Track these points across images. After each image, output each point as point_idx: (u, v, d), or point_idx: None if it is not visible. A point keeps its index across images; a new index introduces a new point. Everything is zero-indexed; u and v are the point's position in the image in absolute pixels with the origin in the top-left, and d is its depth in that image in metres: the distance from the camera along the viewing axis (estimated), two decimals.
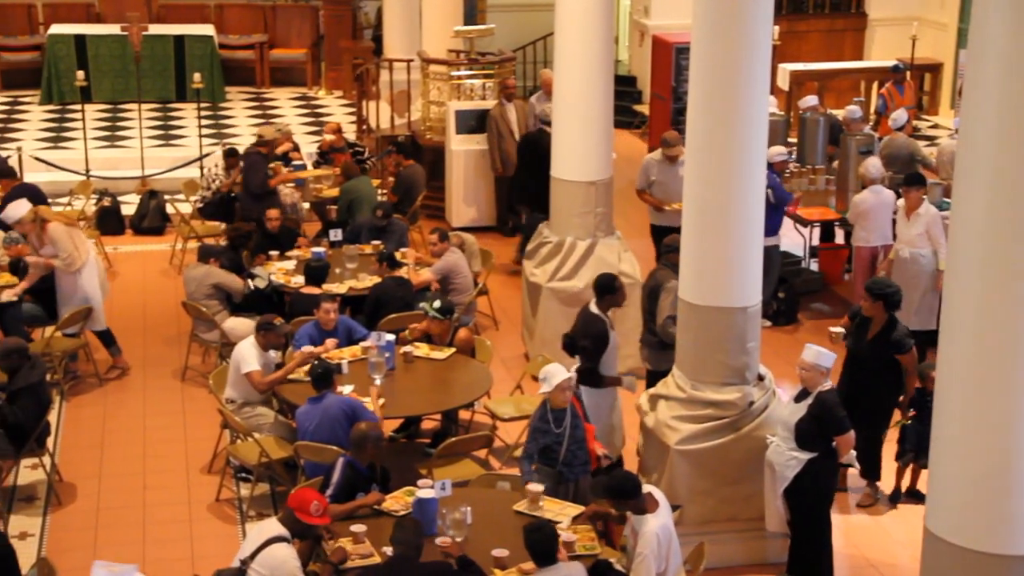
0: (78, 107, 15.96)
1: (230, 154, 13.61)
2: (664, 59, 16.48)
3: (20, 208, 10.87)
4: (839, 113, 14.07)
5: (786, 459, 7.88)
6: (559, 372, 7.90)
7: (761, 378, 8.40)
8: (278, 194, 12.81)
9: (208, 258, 10.86)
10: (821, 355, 7.89)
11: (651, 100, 17.43)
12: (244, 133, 16.63)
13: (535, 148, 12.86)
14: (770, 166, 11.78)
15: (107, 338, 11.06)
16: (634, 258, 11.21)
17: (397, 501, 7.65)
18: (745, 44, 7.75)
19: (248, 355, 9.17)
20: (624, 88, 17.80)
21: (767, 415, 8.23)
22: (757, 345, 8.34)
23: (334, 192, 13.16)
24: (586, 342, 8.65)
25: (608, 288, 8.86)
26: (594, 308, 8.85)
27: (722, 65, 7.82)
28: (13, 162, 13.73)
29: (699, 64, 7.97)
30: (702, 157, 8.07)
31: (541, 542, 6.56)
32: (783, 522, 8.03)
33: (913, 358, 8.96)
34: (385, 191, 13.85)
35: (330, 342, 9.51)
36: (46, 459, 9.17)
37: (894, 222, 11.64)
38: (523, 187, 13.20)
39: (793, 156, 13.34)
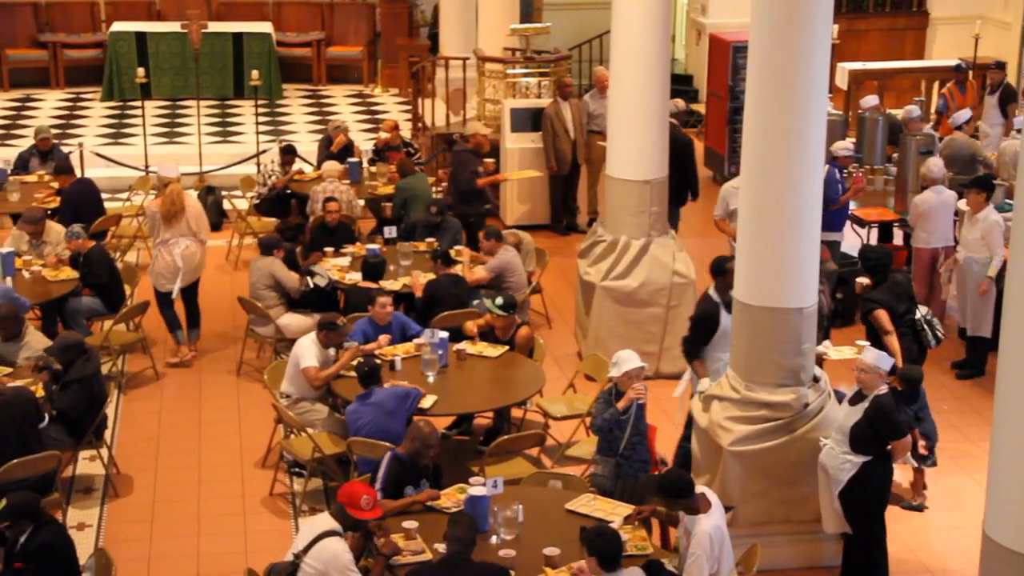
0: (138, 104, 16.14)
1: (287, 151, 13.69)
2: (721, 58, 16.38)
3: (172, 169, 11.37)
4: (898, 113, 13.93)
5: (840, 462, 7.81)
6: (631, 359, 7.91)
7: (816, 379, 8.33)
8: (486, 194, 12.69)
9: (271, 250, 10.94)
10: (880, 358, 7.81)
11: (707, 99, 17.33)
12: (301, 130, 16.74)
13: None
14: (834, 160, 11.72)
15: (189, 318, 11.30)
16: (688, 257, 11.16)
17: (449, 498, 7.66)
18: (804, 43, 7.68)
19: (308, 351, 9.23)
20: (680, 87, 17.74)
21: (822, 417, 8.16)
22: (813, 346, 8.27)
23: (389, 189, 13.20)
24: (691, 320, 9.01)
25: (719, 270, 9.00)
26: (712, 292, 9.04)
27: (780, 64, 7.75)
28: (75, 158, 13.90)
29: (757, 63, 7.91)
30: (758, 157, 8.01)
31: (607, 547, 6.52)
32: (843, 522, 7.95)
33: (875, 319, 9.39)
34: (440, 189, 13.88)
35: (383, 338, 9.55)
36: (104, 451, 9.28)
37: (955, 223, 11.50)
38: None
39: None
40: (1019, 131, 13.57)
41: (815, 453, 8.01)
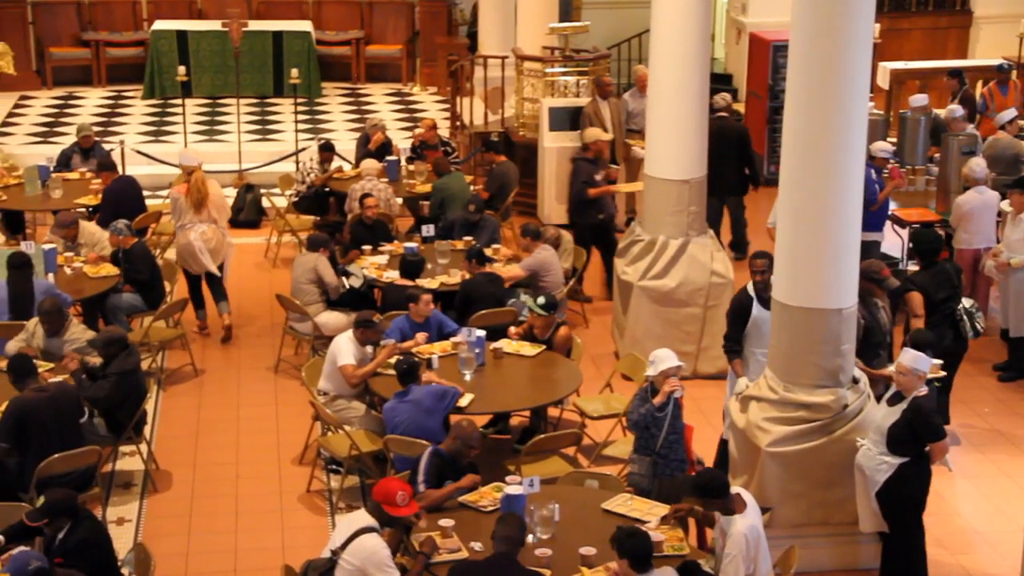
0: (179, 102, 16.24)
1: (325, 148, 13.74)
2: (761, 57, 16.30)
3: (193, 158, 11.91)
4: (941, 112, 13.80)
5: (876, 463, 7.76)
6: (668, 357, 7.90)
7: (855, 381, 8.27)
8: (602, 202, 12.39)
9: (318, 247, 10.98)
10: (919, 359, 7.74)
11: (747, 98, 17.25)
12: (339, 128, 16.79)
13: (720, 137, 12.65)
14: (871, 161, 11.63)
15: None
16: (727, 258, 11.11)
17: (485, 497, 7.66)
18: (845, 42, 7.62)
19: (345, 349, 9.26)
20: (720, 86, 17.59)
21: (861, 419, 8.10)
22: (852, 347, 8.21)
23: (427, 188, 13.22)
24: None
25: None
26: (749, 287, 9.12)
27: (821, 63, 7.70)
28: (116, 155, 14.00)
29: (797, 62, 7.86)
30: (798, 157, 7.96)
31: (638, 547, 6.51)
32: (879, 521, 7.89)
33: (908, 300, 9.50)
34: (478, 188, 13.89)
35: (420, 336, 9.56)
36: (143, 447, 9.34)
37: (998, 224, 11.39)
38: (720, 176, 12.89)
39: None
40: None
41: (854, 455, 7.96)
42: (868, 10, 7.72)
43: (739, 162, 13.21)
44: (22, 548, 6.63)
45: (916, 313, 9.53)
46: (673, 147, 10.78)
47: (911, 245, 10.02)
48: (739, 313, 9.15)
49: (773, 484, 8.14)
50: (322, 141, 14.05)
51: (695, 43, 10.56)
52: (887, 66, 17.09)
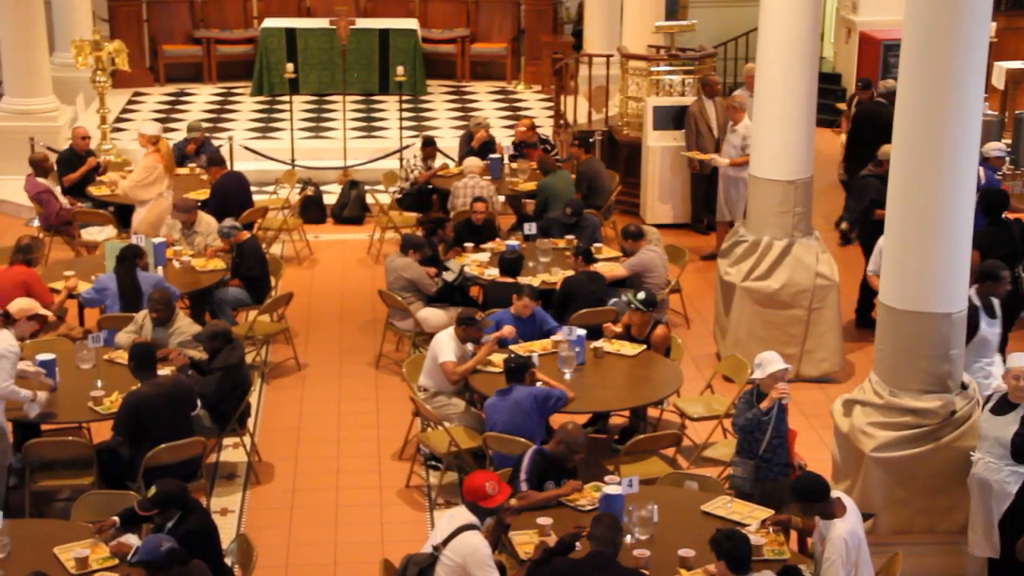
0: (286, 99, 16.47)
1: (427, 143, 13.82)
2: (871, 56, 16.05)
3: (151, 126, 12.73)
4: None
5: (1004, 475, 7.56)
6: (775, 360, 7.81)
7: (964, 386, 8.08)
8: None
9: (408, 250, 11.05)
10: None
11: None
12: (443, 126, 16.88)
13: (873, 120, 12.50)
14: (986, 162, 11.36)
15: None
16: (832, 259, 10.93)
17: (584, 496, 7.64)
18: (960, 41, 7.44)
19: (446, 346, 9.30)
20: (828, 86, 17.35)
21: (971, 425, 7.91)
22: (961, 352, 8.02)
23: (530, 186, 13.23)
24: None
25: (990, 275, 8.84)
26: (972, 293, 8.68)
27: (934, 62, 7.52)
28: (224, 151, 14.24)
29: (910, 61, 7.70)
30: (909, 157, 7.80)
31: (736, 550, 6.44)
32: (995, 546, 7.68)
33: None
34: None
35: (508, 328, 9.54)
36: (246, 439, 9.48)
37: None
38: (862, 158, 12.73)
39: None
40: None
41: (961, 462, 7.78)
42: (984, 8, 7.54)
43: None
44: (154, 535, 6.77)
45: None
46: (779, 147, 10.63)
47: (979, 200, 9.77)
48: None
49: (877, 490, 7.99)
50: (425, 136, 14.14)
51: (804, 42, 10.40)
52: (1003, 66, 16.67)
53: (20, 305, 8.75)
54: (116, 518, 7.17)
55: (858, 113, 13.75)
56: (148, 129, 12.70)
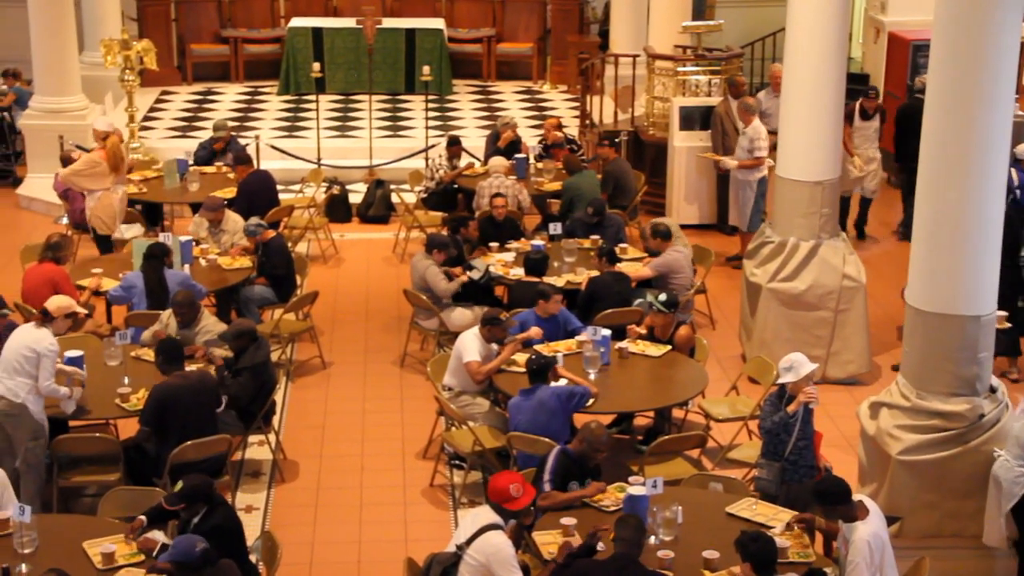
0: (313, 98, 16.51)
1: (452, 142, 13.82)
2: (900, 56, 15.94)
3: (102, 121, 13.03)
4: None
5: (1015, 475, 7.54)
6: (804, 362, 7.78)
7: (993, 390, 8.02)
8: None
9: (433, 249, 11.05)
10: None
11: (884, 99, 16.87)
12: (469, 126, 16.88)
13: (915, 117, 12.37)
14: (1019, 163, 11.27)
15: None
16: (859, 261, 10.88)
17: (608, 496, 7.63)
18: (991, 41, 7.40)
19: (471, 345, 9.30)
20: (856, 86, 17.23)
21: (999, 429, 7.86)
22: (990, 355, 7.97)
23: (555, 186, 13.21)
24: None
25: None
26: None
27: (965, 62, 7.48)
28: (251, 150, 14.29)
29: (939, 61, 7.65)
30: (938, 158, 7.75)
31: (761, 552, 6.41)
32: (1003, 538, 7.66)
33: None
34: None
35: (535, 330, 9.53)
36: (272, 437, 9.51)
37: None
38: (910, 157, 12.63)
39: None
40: None
41: (990, 466, 7.74)
42: (1016, 7, 7.48)
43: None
44: (186, 535, 6.79)
45: None
46: (806, 148, 10.59)
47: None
48: None
49: (903, 493, 7.95)
50: (450, 136, 14.14)
51: (832, 42, 10.36)
52: None
53: (58, 303, 8.82)
54: (143, 517, 7.20)
55: (900, 114, 13.76)
56: (99, 124, 12.97)
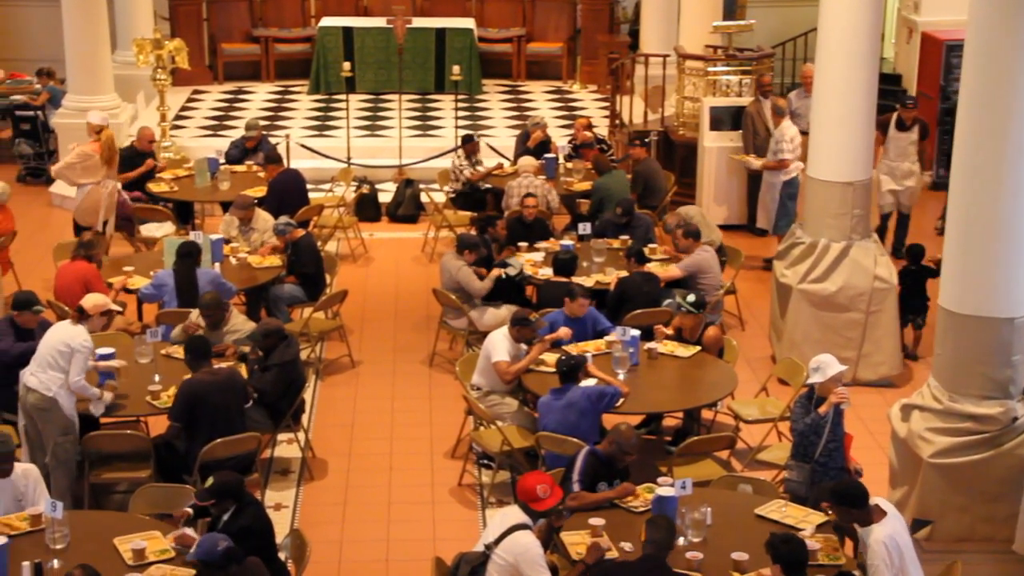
0: (343, 97, 16.55)
1: (467, 140, 13.81)
2: (933, 57, 15.83)
3: (97, 115, 12.99)
4: None
5: None
6: (833, 363, 7.74)
7: None
8: None
9: (463, 249, 11.05)
10: None
11: (917, 100, 16.77)
12: (499, 125, 16.88)
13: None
14: None
15: None
16: (891, 262, 10.81)
17: (637, 497, 7.61)
18: None
19: (500, 345, 9.30)
20: (888, 87, 17.16)
21: None
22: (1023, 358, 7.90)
23: (585, 186, 13.20)
24: None
25: None
26: None
27: (999, 63, 7.42)
28: (281, 149, 14.34)
29: (973, 61, 7.60)
30: (971, 159, 7.70)
31: (792, 554, 6.39)
32: None
33: None
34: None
35: (564, 330, 9.52)
36: (301, 435, 9.53)
37: None
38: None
39: None
40: None
41: (1023, 470, 7.66)
42: None
43: None
44: (210, 533, 6.82)
45: None
46: (837, 149, 10.54)
47: None
48: None
49: (935, 496, 7.90)
50: (464, 134, 14.12)
51: (864, 42, 10.30)
52: None
53: (94, 301, 8.88)
54: (190, 510, 7.25)
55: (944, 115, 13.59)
56: (94, 118, 12.99)
